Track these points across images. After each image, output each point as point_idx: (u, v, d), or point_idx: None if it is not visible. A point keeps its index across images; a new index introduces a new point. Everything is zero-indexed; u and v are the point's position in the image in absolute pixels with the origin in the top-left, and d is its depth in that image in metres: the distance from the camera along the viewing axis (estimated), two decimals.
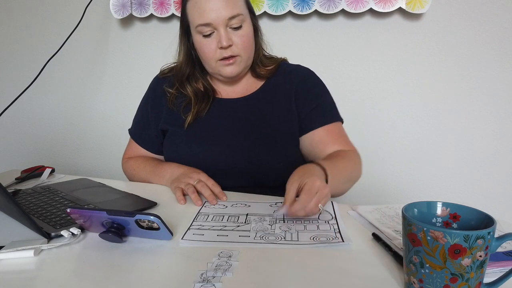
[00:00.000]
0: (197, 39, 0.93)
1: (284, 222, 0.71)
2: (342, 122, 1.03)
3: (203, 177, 0.88)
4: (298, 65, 1.07)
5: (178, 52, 1.02)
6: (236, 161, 0.94)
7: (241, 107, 1.00)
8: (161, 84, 1.05)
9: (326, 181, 0.75)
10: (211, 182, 0.87)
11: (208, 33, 0.91)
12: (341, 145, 0.97)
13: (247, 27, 0.93)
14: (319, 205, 0.69)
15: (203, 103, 0.99)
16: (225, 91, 1.03)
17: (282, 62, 1.06)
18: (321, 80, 1.05)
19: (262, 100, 1.00)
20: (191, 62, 1.01)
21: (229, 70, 0.94)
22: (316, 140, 0.98)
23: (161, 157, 1.07)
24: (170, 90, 1.02)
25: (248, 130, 0.97)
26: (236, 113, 0.99)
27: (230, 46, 0.91)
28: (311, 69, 1.05)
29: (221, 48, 0.91)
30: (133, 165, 1.06)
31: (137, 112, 1.11)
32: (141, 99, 1.11)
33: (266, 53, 1.06)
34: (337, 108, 1.03)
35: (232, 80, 1.00)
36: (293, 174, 0.74)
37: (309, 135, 0.99)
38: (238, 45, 0.92)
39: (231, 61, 0.93)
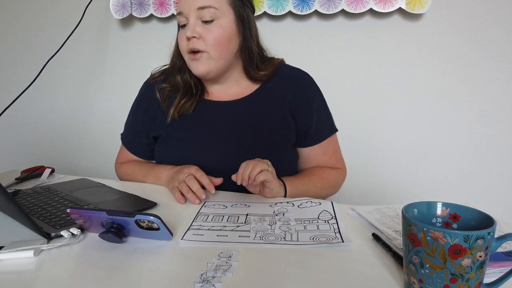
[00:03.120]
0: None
1: (284, 222, 0.71)
2: (337, 131, 1.03)
3: (193, 169, 0.87)
4: (297, 70, 1.02)
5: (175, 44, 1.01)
6: (227, 165, 0.91)
7: (233, 110, 0.97)
8: (151, 89, 1.02)
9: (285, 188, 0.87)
10: (199, 174, 0.85)
11: (183, 23, 0.90)
12: (331, 164, 1.01)
13: (223, 24, 0.88)
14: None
15: (190, 99, 0.96)
16: (217, 92, 0.99)
17: (280, 65, 1.00)
18: (319, 90, 1.01)
19: (255, 104, 0.97)
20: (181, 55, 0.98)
21: (195, 65, 0.91)
22: (311, 156, 1.01)
23: (154, 162, 1.06)
24: (164, 85, 1.00)
25: (239, 134, 0.95)
26: (229, 116, 0.96)
27: (194, 37, 0.88)
28: (311, 76, 1.01)
29: (187, 38, 0.89)
30: (127, 169, 1.05)
31: (128, 117, 1.09)
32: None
33: (265, 55, 1.01)
34: (332, 118, 1.03)
35: (205, 79, 0.97)
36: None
37: (304, 151, 1.01)
38: (206, 40, 0.88)
39: (197, 56, 0.89)
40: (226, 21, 0.89)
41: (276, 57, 1.03)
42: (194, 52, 0.89)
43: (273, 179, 0.82)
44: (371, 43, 1.45)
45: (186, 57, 0.92)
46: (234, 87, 0.99)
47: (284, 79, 0.98)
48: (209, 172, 0.90)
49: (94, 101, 1.86)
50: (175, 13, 1.57)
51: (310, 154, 1.01)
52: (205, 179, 0.85)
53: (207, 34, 0.88)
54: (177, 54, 0.98)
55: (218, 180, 0.86)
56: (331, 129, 1.02)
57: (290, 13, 1.46)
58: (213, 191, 0.84)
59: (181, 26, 0.92)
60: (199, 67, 0.91)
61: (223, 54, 0.91)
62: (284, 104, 0.96)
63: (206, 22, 0.88)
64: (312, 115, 0.98)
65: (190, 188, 0.83)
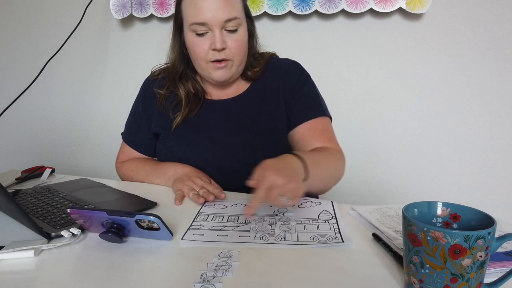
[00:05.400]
0: (190, 37, 0.91)
1: (283, 222, 0.71)
2: (331, 119, 1.00)
3: (205, 181, 0.88)
4: (286, 59, 1.04)
5: (171, 50, 1.00)
6: (229, 162, 0.94)
7: (231, 108, 0.99)
8: (151, 86, 1.04)
9: (306, 172, 0.71)
10: (211, 187, 0.86)
11: (202, 32, 0.89)
12: (323, 142, 0.93)
13: (243, 32, 0.91)
14: (283, 199, 0.65)
15: (193, 105, 0.98)
16: (216, 92, 1.02)
17: (270, 58, 1.03)
18: (307, 73, 1.02)
19: (251, 99, 0.99)
20: (184, 61, 0.99)
21: (220, 73, 0.92)
22: (297, 137, 0.96)
23: (156, 159, 1.06)
24: (160, 91, 1.01)
25: (239, 131, 0.96)
26: (228, 114, 0.98)
27: (223, 49, 0.89)
28: (299, 62, 1.03)
29: (214, 50, 0.89)
30: (130, 166, 1.05)
31: (129, 115, 1.10)
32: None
33: (258, 49, 1.03)
34: (323, 103, 1.00)
35: (222, 84, 0.99)
36: (265, 168, 0.66)
37: (292, 133, 0.97)
38: (232, 49, 0.90)
39: (222, 64, 0.91)
40: (244, 28, 0.92)
41: (266, 51, 1.06)
42: (220, 60, 0.90)
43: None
44: (371, 43, 1.45)
45: (205, 65, 0.92)
46: (232, 87, 1.02)
47: (275, 71, 1.01)
48: (210, 168, 0.92)
49: (94, 101, 1.86)
50: None
51: (296, 136, 0.96)
52: (220, 194, 0.85)
53: (232, 43, 0.89)
54: (180, 60, 0.99)
55: (223, 196, 0.85)
56: (322, 111, 0.98)
57: (290, 13, 1.46)
58: (223, 196, 0.85)
59: (198, 35, 0.90)
60: (223, 73, 0.92)
61: (244, 59, 0.95)
62: (278, 94, 0.98)
63: (230, 31, 0.89)
64: (296, 94, 0.98)
65: (198, 194, 0.83)
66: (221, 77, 0.93)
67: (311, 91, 1.00)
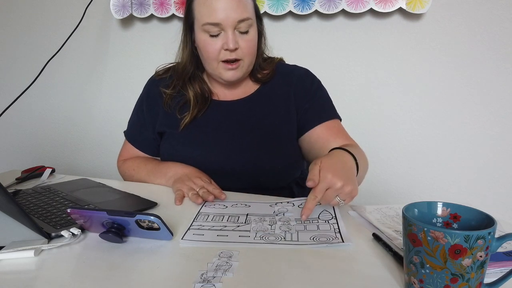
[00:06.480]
0: (202, 37, 0.91)
1: (288, 222, 0.71)
2: (341, 120, 1.02)
3: (205, 181, 0.88)
4: (295, 66, 1.05)
5: (181, 50, 1.00)
6: (234, 163, 0.94)
7: (238, 109, 0.99)
8: (156, 86, 1.04)
9: (357, 168, 0.75)
10: (211, 187, 0.86)
11: (216, 33, 0.89)
12: (342, 139, 0.95)
13: (254, 32, 0.92)
14: (337, 198, 0.68)
15: (201, 105, 0.98)
16: (223, 93, 1.02)
17: (279, 63, 1.04)
18: (317, 79, 1.03)
19: (259, 102, 0.99)
20: (194, 61, 0.99)
21: (230, 74, 0.93)
22: (315, 137, 0.97)
23: (158, 159, 1.07)
24: (167, 91, 1.01)
25: (246, 132, 0.96)
26: (234, 115, 0.98)
27: (236, 49, 0.90)
28: (309, 69, 1.04)
29: (227, 50, 0.90)
30: (132, 165, 1.05)
31: (132, 114, 1.10)
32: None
33: (264, 55, 1.04)
34: (334, 106, 1.02)
35: (231, 84, 0.99)
36: (322, 168, 0.67)
37: (307, 134, 0.98)
38: (244, 49, 0.91)
39: (234, 66, 0.91)
40: (255, 28, 0.93)
41: (274, 56, 1.06)
42: (232, 61, 0.91)
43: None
44: (371, 43, 1.45)
45: (216, 65, 0.93)
46: (239, 88, 1.02)
47: (284, 76, 1.01)
48: (213, 169, 0.92)
49: (94, 101, 1.86)
50: (175, 13, 1.57)
51: (313, 136, 0.97)
52: (221, 195, 0.84)
53: (244, 43, 0.90)
54: (189, 60, 0.99)
55: (223, 197, 0.85)
56: (332, 114, 1.00)
57: (290, 13, 1.46)
58: (223, 197, 0.84)
59: (211, 35, 0.90)
60: (234, 74, 0.93)
61: (254, 59, 0.96)
62: (288, 99, 0.99)
63: (242, 32, 0.90)
64: (308, 99, 0.99)
65: (198, 195, 0.83)
66: (232, 77, 0.93)
67: (324, 95, 1.02)
